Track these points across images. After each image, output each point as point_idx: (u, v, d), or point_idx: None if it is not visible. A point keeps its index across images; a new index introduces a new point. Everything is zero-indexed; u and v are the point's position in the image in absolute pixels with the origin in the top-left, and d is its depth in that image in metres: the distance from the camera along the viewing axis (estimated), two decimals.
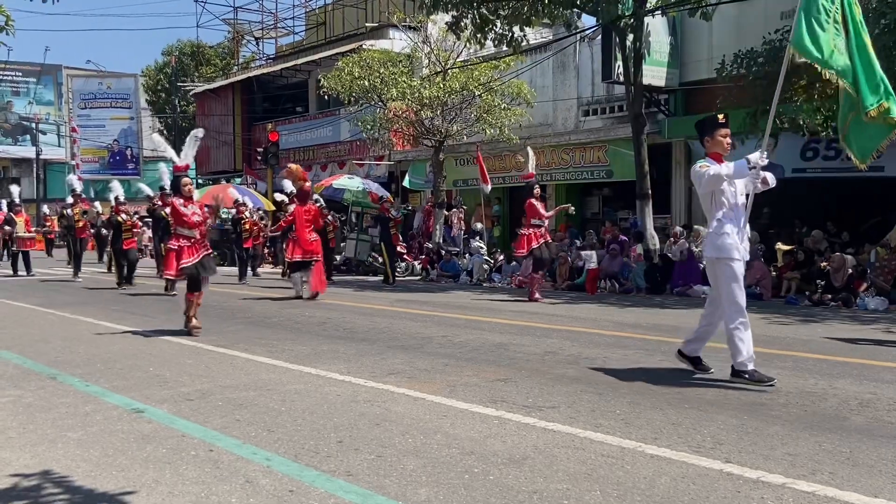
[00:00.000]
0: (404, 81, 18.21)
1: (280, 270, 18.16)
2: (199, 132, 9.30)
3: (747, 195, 5.69)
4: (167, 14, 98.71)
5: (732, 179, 5.54)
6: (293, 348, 7.38)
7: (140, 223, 16.80)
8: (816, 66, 5.61)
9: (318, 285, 12.34)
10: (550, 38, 19.35)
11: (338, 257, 19.02)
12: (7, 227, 19.64)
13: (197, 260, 8.43)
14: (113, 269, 17.74)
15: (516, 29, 14.34)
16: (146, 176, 42.13)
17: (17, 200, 20.82)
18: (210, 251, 8.78)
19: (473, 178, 19.36)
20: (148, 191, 18.46)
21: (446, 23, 14.74)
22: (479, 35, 14.34)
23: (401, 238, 18.20)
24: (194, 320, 8.39)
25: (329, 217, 16.03)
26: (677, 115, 17.01)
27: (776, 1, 14.56)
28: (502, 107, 18.17)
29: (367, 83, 18.62)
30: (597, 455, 3.92)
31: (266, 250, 21.07)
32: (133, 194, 27.25)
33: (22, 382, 5.90)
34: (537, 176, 13.68)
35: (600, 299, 12.81)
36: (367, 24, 26.72)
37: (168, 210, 9.94)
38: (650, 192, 14.76)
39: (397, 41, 22.83)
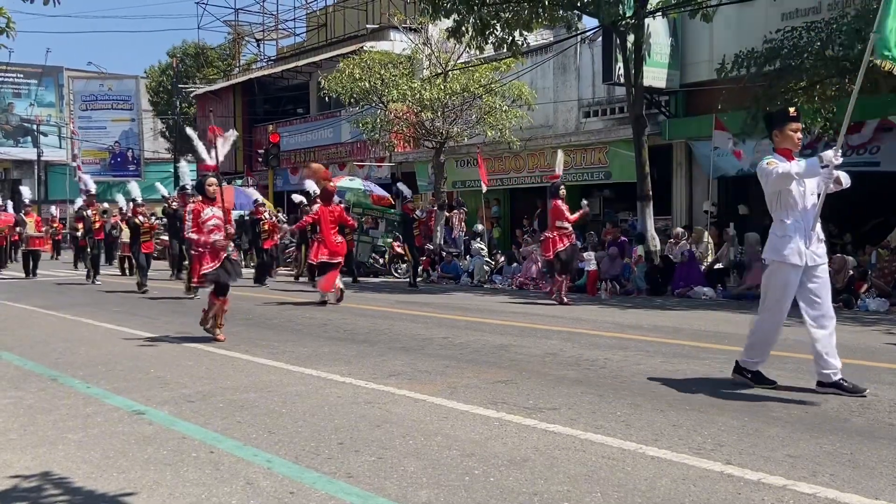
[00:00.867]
0: (405, 83, 18.23)
1: (294, 273, 17.80)
2: (233, 134, 8.82)
3: (818, 195, 5.32)
4: (168, 16, 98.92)
5: (802, 178, 5.17)
6: (294, 350, 7.38)
7: (158, 224, 16.22)
8: None
9: (327, 285, 11.72)
10: (551, 39, 19.37)
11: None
12: (18, 228, 19.58)
13: (218, 264, 8.00)
14: (130, 272, 17.53)
15: (517, 33, 14.34)
16: (147, 178, 42.17)
17: (27, 201, 20.75)
18: (234, 254, 8.35)
19: (474, 180, 19.36)
20: (163, 191, 17.94)
21: (447, 28, 14.74)
22: (479, 38, 14.34)
23: (424, 240, 17.35)
24: (218, 330, 7.99)
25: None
26: (678, 116, 17.01)
27: (776, 2, 14.56)
28: (503, 108, 18.18)
29: (367, 85, 18.64)
30: (597, 457, 3.92)
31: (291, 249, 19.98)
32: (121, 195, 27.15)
33: (23, 384, 5.90)
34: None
35: (601, 301, 12.81)
36: (367, 26, 26.73)
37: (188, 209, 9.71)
38: (651, 193, 14.76)
39: (398, 43, 22.84)
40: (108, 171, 42.81)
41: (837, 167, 5.16)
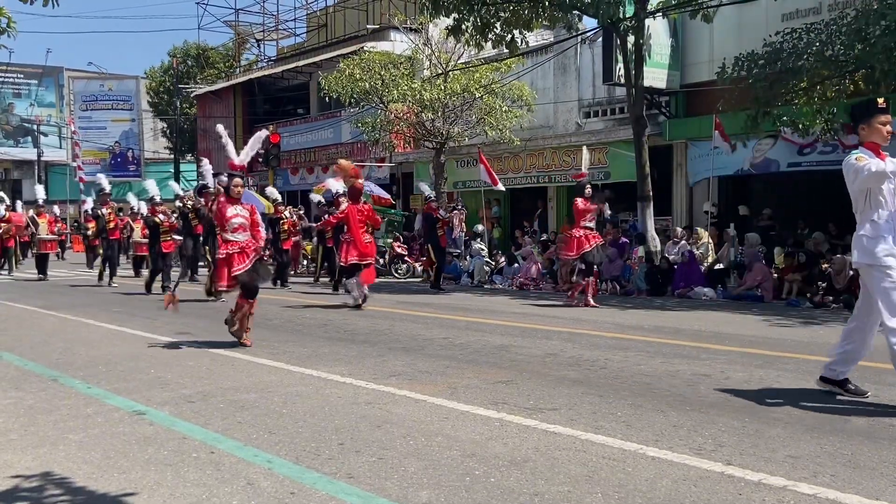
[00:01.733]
0: (405, 83, 18.24)
1: (315, 275, 17.38)
2: (264, 133, 8.47)
3: None
4: (169, 16, 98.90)
5: None
6: (294, 350, 7.38)
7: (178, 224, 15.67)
8: None
9: (367, 279, 11.24)
10: (551, 40, 19.38)
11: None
12: (30, 228, 19.34)
13: (249, 266, 7.66)
14: (142, 272, 17.06)
15: (516, 32, 14.36)
16: (147, 178, 42.15)
17: (40, 201, 20.46)
18: (262, 255, 8.05)
19: (474, 180, 19.36)
20: (177, 189, 17.53)
21: (447, 27, 14.74)
22: (478, 37, 14.35)
23: (448, 240, 16.27)
24: (245, 335, 7.69)
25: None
26: (678, 116, 17.03)
27: (777, 3, 14.57)
28: (503, 109, 18.18)
29: (368, 85, 18.65)
30: (598, 457, 3.92)
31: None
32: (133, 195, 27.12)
33: (23, 384, 5.90)
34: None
35: (601, 301, 12.79)
36: (368, 26, 26.74)
37: (211, 209, 9.04)
38: (651, 193, 14.76)
39: (398, 43, 22.86)
40: (108, 171, 42.81)
41: None
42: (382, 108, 19.24)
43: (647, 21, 14.63)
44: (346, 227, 11.37)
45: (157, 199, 14.66)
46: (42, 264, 18.04)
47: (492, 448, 4.10)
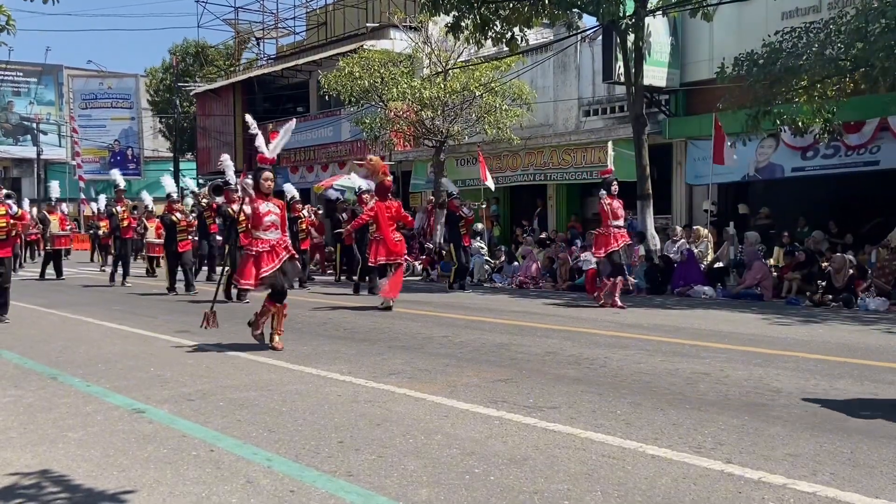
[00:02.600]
0: (405, 82, 18.21)
1: (335, 275, 17.06)
2: (292, 124, 8.06)
3: None
4: (168, 14, 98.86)
5: None
6: (294, 348, 7.37)
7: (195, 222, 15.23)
8: None
9: (393, 290, 10.68)
10: (551, 38, 19.34)
11: None
12: (40, 226, 19.16)
13: (277, 266, 7.28)
14: (157, 271, 17.02)
15: (516, 30, 14.34)
16: (147, 176, 42.14)
17: (53, 198, 20.21)
18: (293, 255, 7.63)
19: (474, 179, 19.35)
20: (193, 186, 17.22)
21: (446, 24, 14.73)
22: (478, 35, 14.34)
23: (472, 240, 15.58)
24: (277, 337, 7.35)
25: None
26: (678, 115, 17.01)
27: (777, 1, 14.56)
28: (503, 107, 18.17)
29: (367, 83, 18.62)
30: (597, 455, 3.92)
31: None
32: (135, 194, 27.14)
33: (23, 382, 5.90)
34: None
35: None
36: (367, 25, 26.71)
37: (234, 208, 8.79)
38: (651, 192, 14.76)
39: (398, 41, 22.83)
40: (107, 169, 42.81)
41: None
42: (382, 106, 19.22)
43: (647, 19, 14.61)
44: (375, 225, 11.04)
45: (175, 195, 14.31)
46: (57, 262, 17.48)
47: (491, 446, 4.10)
